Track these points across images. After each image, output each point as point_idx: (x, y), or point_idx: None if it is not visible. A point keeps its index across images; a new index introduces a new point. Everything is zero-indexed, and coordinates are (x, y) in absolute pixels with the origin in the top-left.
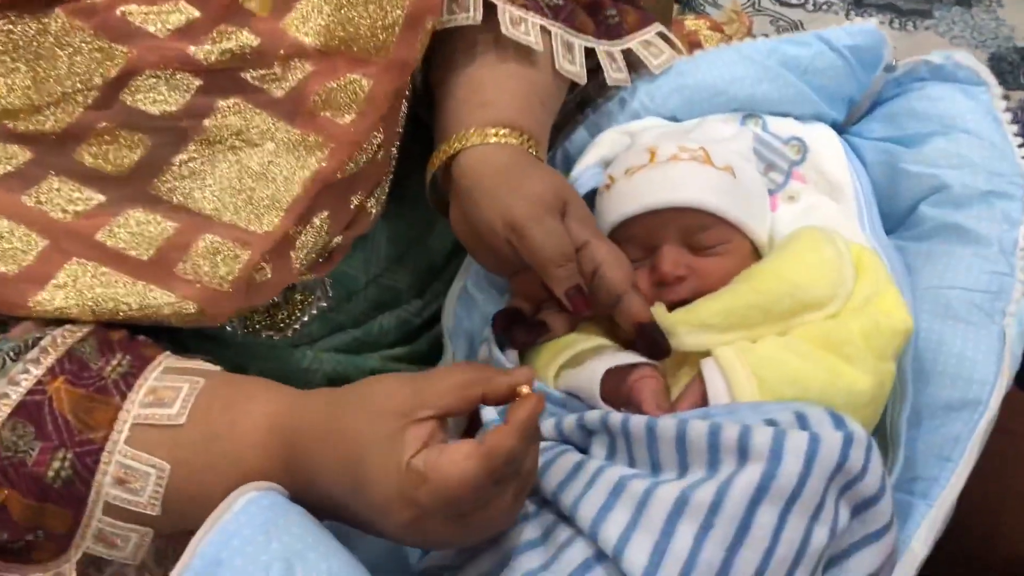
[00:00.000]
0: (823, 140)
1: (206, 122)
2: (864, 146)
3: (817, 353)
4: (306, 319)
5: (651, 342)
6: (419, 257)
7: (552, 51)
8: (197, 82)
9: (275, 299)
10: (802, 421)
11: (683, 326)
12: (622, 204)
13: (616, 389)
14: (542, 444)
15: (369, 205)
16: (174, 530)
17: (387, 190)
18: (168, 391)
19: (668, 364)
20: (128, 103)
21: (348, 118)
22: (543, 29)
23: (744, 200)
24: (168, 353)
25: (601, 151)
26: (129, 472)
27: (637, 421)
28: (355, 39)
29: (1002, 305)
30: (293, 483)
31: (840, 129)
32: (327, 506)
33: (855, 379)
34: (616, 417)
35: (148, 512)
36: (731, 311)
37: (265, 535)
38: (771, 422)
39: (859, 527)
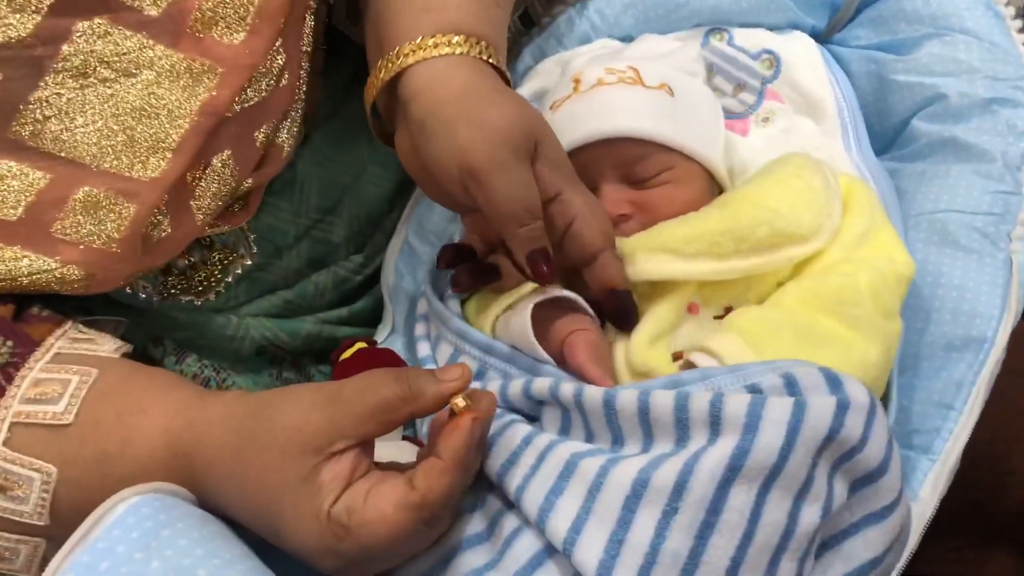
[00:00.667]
0: (799, 52)
1: (65, 48)
2: (849, 56)
3: (823, 331)
4: (230, 280)
5: (621, 311)
6: (355, 205)
7: None
8: (47, 0)
9: (191, 259)
10: (791, 385)
11: (642, 251)
12: None
13: (550, 334)
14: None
15: (280, 139)
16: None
17: (300, 120)
18: (54, 384)
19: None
20: None
21: (238, 37)
22: None
23: (684, 120)
24: (68, 327)
25: (536, 83)
26: (9, 477)
27: (592, 395)
28: None
29: (1007, 228)
30: (202, 505)
31: (821, 38)
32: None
33: (866, 350)
34: (568, 389)
35: (35, 522)
36: (698, 236)
37: (144, 551)
38: (754, 388)
39: (859, 505)
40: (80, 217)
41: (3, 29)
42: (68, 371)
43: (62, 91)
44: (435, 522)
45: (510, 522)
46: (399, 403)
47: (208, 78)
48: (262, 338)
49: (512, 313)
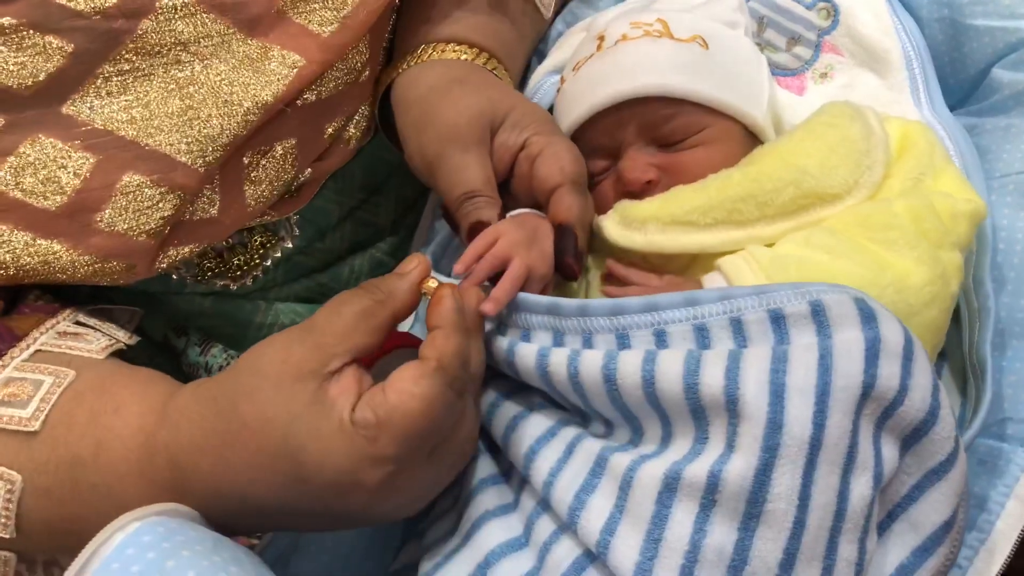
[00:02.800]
0: None
1: (144, 24)
2: (918, 1)
3: (850, 243)
4: (268, 264)
5: (559, 248)
6: (403, 185)
7: None
8: None
9: (229, 240)
10: (818, 314)
11: (654, 222)
12: (570, 108)
13: None
14: (514, 394)
15: (348, 134)
16: (48, 554)
17: (370, 114)
18: (26, 385)
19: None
20: None
21: (328, 29)
22: None
23: (720, 73)
24: (61, 318)
25: (562, 53)
26: None
27: (589, 368)
28: None
29: None
30: (195, 506)
31: None
32: (254, 519)
33: (905, 271)
34: (560, 362)
35: (1, 534)
36: (716, 205)
37: None
38: (776, 313)
39: (916, 463)
40: (122, 209)
41: None
42: (43, 371)
43: (128, 67)
44: (460, 387)
45: (545, 524)
46: (375, 306)
47: (285, 70)
48: (292, 324)
49: None
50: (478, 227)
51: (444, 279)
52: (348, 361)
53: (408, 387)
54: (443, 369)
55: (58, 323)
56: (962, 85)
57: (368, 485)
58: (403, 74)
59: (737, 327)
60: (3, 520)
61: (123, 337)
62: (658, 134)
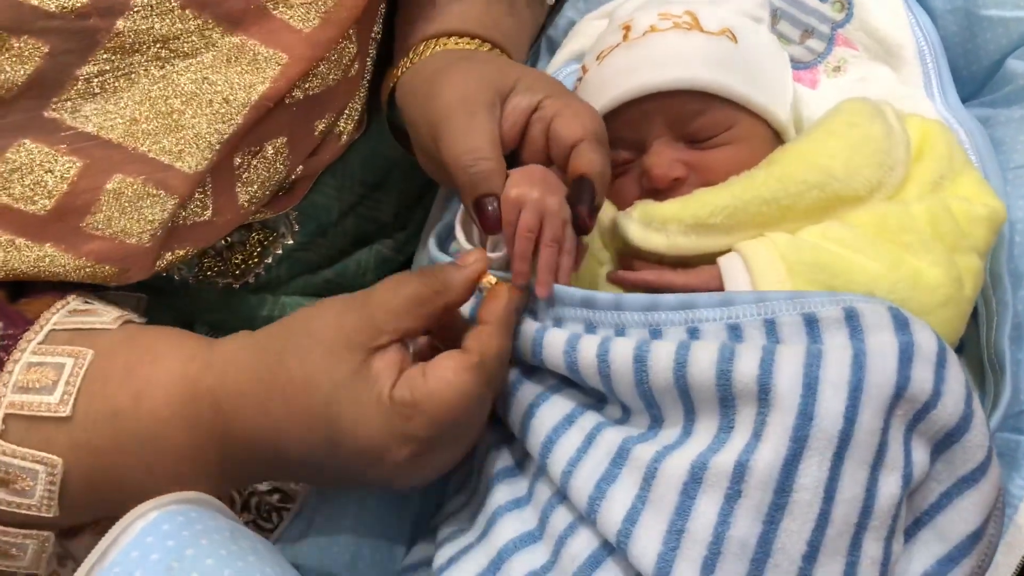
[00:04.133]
0: None
1: (120, 23)
2: None
3: (865, 238)
4: (269, 261)
5: (576, 202)
6: (405, 180)
7: None
8: None
9: (228, 239)
10: (852, 319)
11: (676, 223)
12: (593, 98)
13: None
14: (529, 378)
15: (339, 128)
16: (85, 522)
17: (362, 108)
18: (48, 371)
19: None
20: None
21: (310, 24)
22: None
23: (749, 70)
24: (71, 299)
25: (579, 42)
26: (10, 471)
27: (621, 351)
28: None
29: None
30: (230, 454)
31: None
32: (282, 470)
33: (920, 270)
34: (590, 345)
35: (43, 514)
36: (741, 208)
37: (167, 574)
38: (810, 318)
39: (946, 470)
40: (114, 212)
41: None
42: (62, 352)
43: (110, 68)
44: (494, 383)
45: (562, 517)
46: (431, 295)
47: (269, 67)
48: None
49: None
50: (484, 202)
51: (501, 275)
52: (395, 339)
53: (448, 376)
54: (484, 365)
55: (68, 303)
56: (976, 76)
57: (395, 459)
58: (405, 72)
59: (771, 328)
60: (46, 501)
61: (133, 317)
62: (685, 130)
